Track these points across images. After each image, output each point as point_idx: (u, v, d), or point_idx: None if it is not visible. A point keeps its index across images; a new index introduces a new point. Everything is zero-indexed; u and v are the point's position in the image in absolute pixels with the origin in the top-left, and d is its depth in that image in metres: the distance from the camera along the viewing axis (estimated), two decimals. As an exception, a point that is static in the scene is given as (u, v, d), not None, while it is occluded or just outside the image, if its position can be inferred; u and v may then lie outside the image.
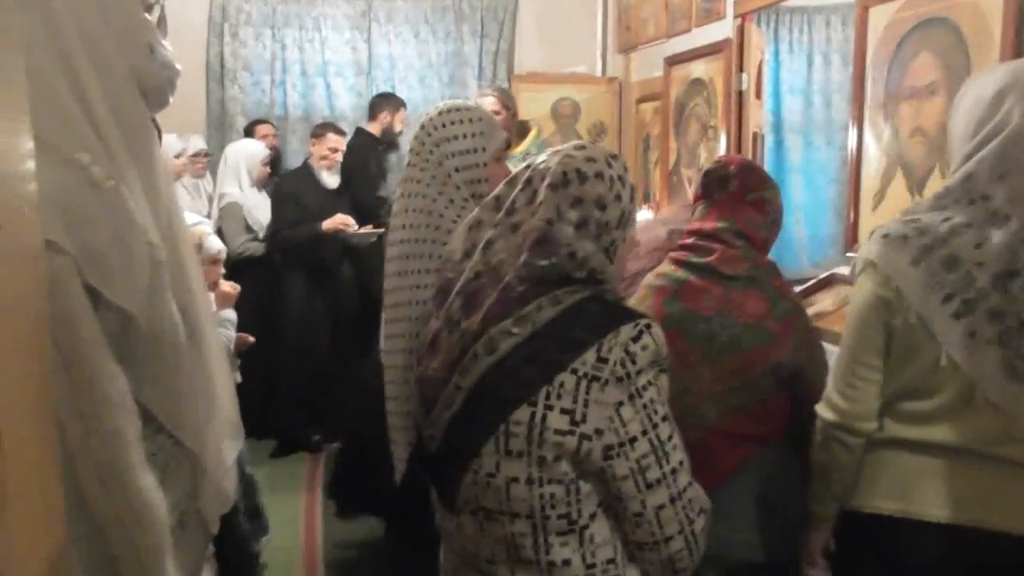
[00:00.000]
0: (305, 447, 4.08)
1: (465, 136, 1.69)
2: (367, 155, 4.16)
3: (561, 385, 1.04)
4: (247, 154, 4.00)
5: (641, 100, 4.79)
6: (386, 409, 1.72)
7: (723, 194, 1.81)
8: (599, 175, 1.15)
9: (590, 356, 1.05)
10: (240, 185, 4.00)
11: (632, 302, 1.77)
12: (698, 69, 4.02)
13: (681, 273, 1.78)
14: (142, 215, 0.96)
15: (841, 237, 2.97)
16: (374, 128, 4.25)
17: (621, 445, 1.06)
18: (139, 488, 0.84)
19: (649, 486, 1.07)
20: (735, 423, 1.68)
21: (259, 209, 4.02)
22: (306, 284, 4.00)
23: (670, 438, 1.09)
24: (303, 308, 4.00)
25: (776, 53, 4.88)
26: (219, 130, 4.64)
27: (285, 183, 4.07)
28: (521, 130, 3.52)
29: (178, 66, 1.09)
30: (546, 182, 1.14)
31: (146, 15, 0.99)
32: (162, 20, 1.07)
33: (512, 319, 1.08)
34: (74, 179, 0.83)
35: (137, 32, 0.93)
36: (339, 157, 4.02)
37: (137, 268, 0.93)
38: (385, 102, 4.30)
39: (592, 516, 1.10)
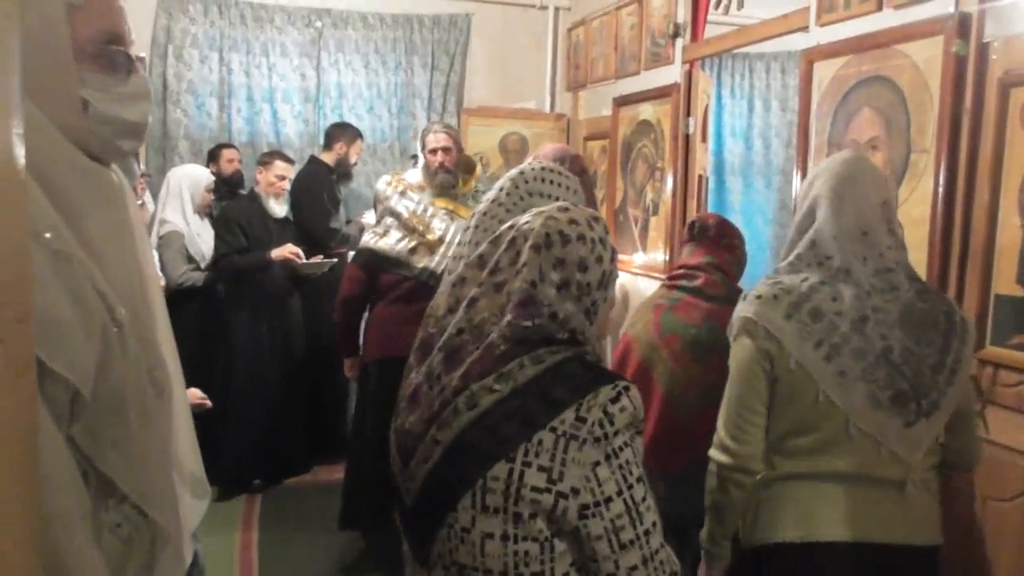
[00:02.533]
0: (246, 490, 3.94)
1: (554, 198, 1.78)
2: (320, 184, 4.09)
3: (540, 443, 1.05)
4: (192, 179, 3.89)
5: (589, 138, 4.87)
6: None
7: (705, 239, 2.42)
8: (581, 237, 1.17)
9: (569, 415, 1.06)
10: (183, 211, 3.88)
11: (632, 316, 2.22)
12: (646, 111, 4.11)
13: (675, 294, 2.33)
14: (101, 278, 0.90)
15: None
16: (328, 158, 4.20)
17: (596, 504, 1.07)
18: (83, 571, 0.78)
19: (623, 546, 1.08)
20: (715, 411, 1.79)
21: (201, 238, 3.91)
22: (252, 317, 3.87)
23: (644, 499, 1.10)
24: (249, 343, 3.86)
25: (719, 97, 5.04)
26: (160, 152, 4.52)
27: (230, 209, 3.96)
28: (467, 167, 3.53)
29: (142, 107, 1.01)
30: (529, 243, 1.16)
31: (72, 66, 0.87)
32: (120, 66, 0.95)
33: (493, 376, 1.09)
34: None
35: (60, 90, 0.84)
36: (287, 185, 3.95)
37: (88, 334, 0.86)
38: (342, 132, 4.26)
39: (566, 574, 1.10)
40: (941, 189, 2.24)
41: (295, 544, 3.42)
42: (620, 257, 4.33)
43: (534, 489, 1.05)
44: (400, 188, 3.37)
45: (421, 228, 3.29)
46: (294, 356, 3.98)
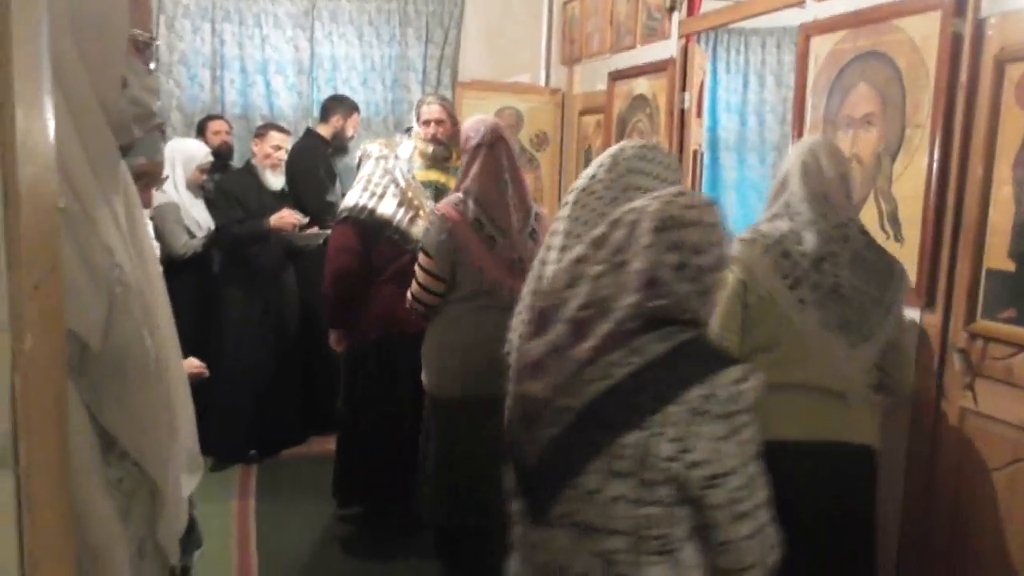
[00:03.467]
0: (241, 461, 3.97)
1: (653, 176, 1.79)
2: (316, 158, 4.07)
3: (670, 415, 1.12)
4: (185, 155, 3.85)
5: (584, 112, 4.86)
6: None
7: None
8: (698, 222, 1.23)
9: (697, 391, 1.12)
10: (174, 184, 3.87)
11: None
12: (641, 86, 4.11)
13: None
14: (108, 238, 0.93)
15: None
16: (325, 131, 4.18)
17: (719, 476, 1.13)
18: (100, 522, 0.79)
19: (738, 517, 1.15)
20: None
21: (195, 208, 3.89)
22: (247, 291, 3.87)
23: (759, 476, 1.18)
24: (244, 316, 3.86)
25: (714, 72, 5.03)
26: (152, 125, 4.49)
27: (226, 182, 3.95)
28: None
29: (156, 103, 1.06)
30: (649, 226, 1.22)
31: (123, 48, 0.92)
32: (150, 54, 1.02)
33: (625, 350, 1.16)
34: None
35: (112, 64, 0.88)
36: (283, 156, 3.93)
37: (96, 292, 0.89)
38: (339, 105, 4.22)
39: (685, 540, 1.17)
40: (935, 164, 2.26)
41: (291, 513, 3.45)
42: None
43: (664, 458, 1.12)
44: (394, 154, 3.32)
45: (416, 202, 3.29)
46: (288, 329, 3.99)
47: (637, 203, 1.28)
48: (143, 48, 1.01)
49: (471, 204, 2.60)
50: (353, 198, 3.15)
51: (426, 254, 2.63)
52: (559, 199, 5.14)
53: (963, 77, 2.19)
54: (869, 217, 2.54)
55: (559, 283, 1.29)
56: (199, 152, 3.90)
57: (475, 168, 2.63)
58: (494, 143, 2.65)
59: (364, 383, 3.19)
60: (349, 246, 3.08)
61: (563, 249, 1.75)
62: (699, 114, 3.80)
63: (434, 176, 3.69)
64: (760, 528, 1.17)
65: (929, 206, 2.29)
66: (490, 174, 2.62)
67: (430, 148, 3.58)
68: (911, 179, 2.36)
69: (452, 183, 3.52)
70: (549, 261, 1.80)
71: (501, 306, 2.51)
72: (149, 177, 1.60)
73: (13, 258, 0.53)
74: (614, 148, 1.90)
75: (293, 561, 3.10)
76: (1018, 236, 2.05)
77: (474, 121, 2.77)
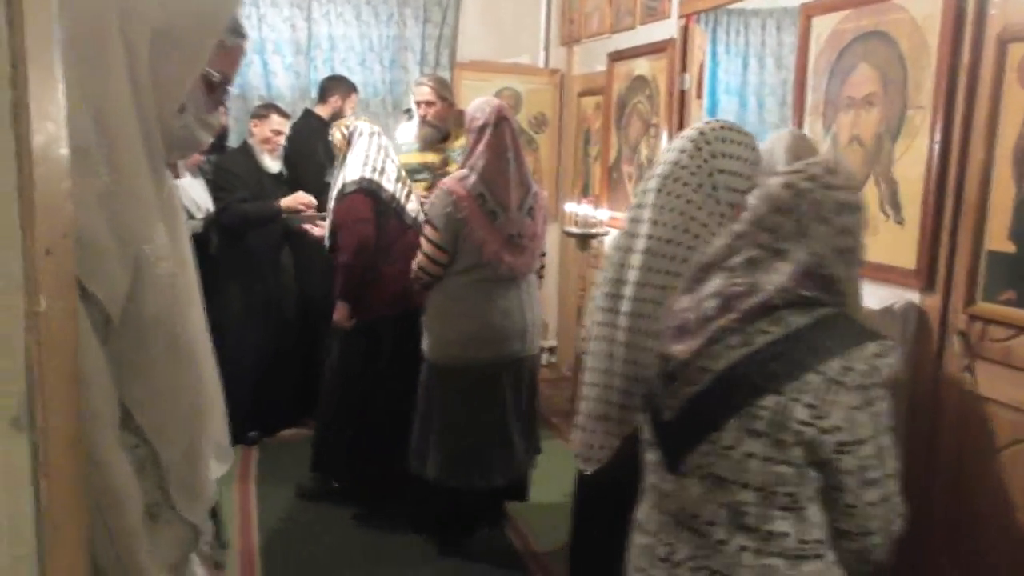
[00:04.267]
0: (241, 442, 3.98)
1: (741, 159, 1.79)
2: (315, 139, 4.03)
3: (807, 383, 1.17)
4: None
5: (583, 94, 4.85)
6: (593, 399, 1.79)
7: None
8: (857, 206, 1.29)
9: (837, 363, 1.17)
10: (171, 164, 3.84)
11: None
12: (641, 66, 4.09)
13: None
14: (147, 217, 0.93)
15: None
16: (323, 111, 4.14)
17: (851, 444, 1.18)
18: (116, 471, 0.81)
19: (867, 483, 1.21)
20: None
21: (194, 188, 3.86)
22: (245, 273, 3.84)
23: (890, 447, 1.23)
24: (243, 298, 3.83)
25: (714, 54, 5.00)
26: (149, 105, 4.46)
27: (226, 161, 3.91)
28: (460, 121, 3.51)
29: (207, 139, 1.08)
30: (812, 213, 1.25)
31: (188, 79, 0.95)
32: (220, 95, 1.06)
33: (767, 320, 1.22)
34: (76, 171, 0.75)
35: (177, 85, 0.90)
36: (282, 140, 3.90)
37: (122, 263, 0.90)
38: (337, 85, 4.19)
39: (811, 499, 1.22)
40: (936, 146, 2.26)
41: (292, 493, 3.47)
42: (614, 214, 4.35)
43: (799, 422, 1.17)
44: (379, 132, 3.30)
45: (408, 180, 3.30)
46: (286, 310, 3.98)
47: (795, 182, 1.29)
48: (215, 88, 1.04)
49: (475, 180, 2.72)
50: (358, 171, 3.15)
51: (432, 227, 2.76)
52: (558, 181, 5.14)
53: (965, 57, 2.18)
54: (869, 199, 2.54)
55: (717, 258, 1.35)
56: None
57: (480, 146, 2.75)
58: (498, 123, 2.77)
59: (381, 358, 3.21)
60: (366, 216, 3.10)
61: (649, 237, 1.76)
62: (699, 95, 3.78)
63: (430, 158, 3.68)
64: (887, 497, 1.23)
65: (930, 188, 2.29)
66: (494, 152, 2.73)
67: (420, 130, 3.58)
68: (912, 161, 2.36)
69: (452, 166, 3.52)
70: (635, 249, 1.79)
71: (497, 279, 2.75)
72: None
73: (26, 221, 0.53)
74: (692, 131, 1.83)
75: (294, 541, 3.12)
76: (1019, 218, 2.05)
77: (480, 102, 2.87)
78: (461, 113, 3.60)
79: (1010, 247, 2.08)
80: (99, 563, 0.80)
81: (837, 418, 1.17)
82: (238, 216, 3.72)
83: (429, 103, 3.58)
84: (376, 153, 3.19)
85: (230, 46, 0.98)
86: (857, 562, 1.28)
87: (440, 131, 3.66)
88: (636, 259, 1.77)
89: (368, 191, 3.11)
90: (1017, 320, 2.05)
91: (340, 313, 3.21)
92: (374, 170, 3.16)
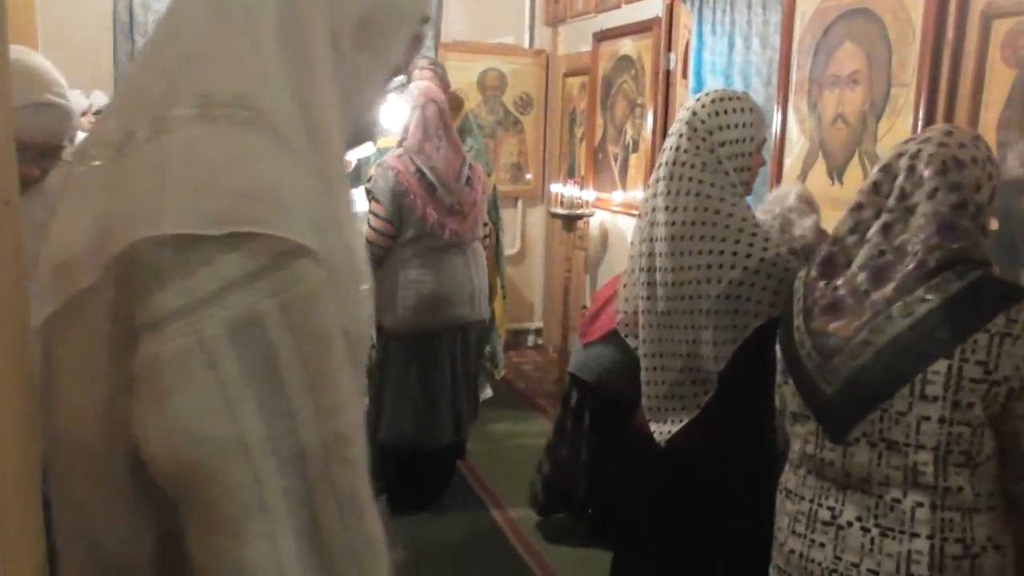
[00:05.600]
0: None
1: (738, 126, 1.78)
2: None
3: (975, 342, 1.23)
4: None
5: (568, 74, 4.82)
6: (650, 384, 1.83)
7: None
8: (974, 160, 1.32)
9: (1000, 319, 1.23)
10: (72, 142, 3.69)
11: None
12: (626, 46, 4.06)
13: None
14: (343, 221, 0.81)
15: (762, 217, 3.07)
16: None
17: (1021, 390, 1.24)
18: (373, 520, 0.69)
19: None
20: None
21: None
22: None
23: None
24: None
25: (700, 33, 4.97)
26: (128, 87, 4.39)
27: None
28: (455, 103, 3.48)
29: (375, 138, 0.99)
30: (931, 170, 1.30)
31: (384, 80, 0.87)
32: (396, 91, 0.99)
33: (924, 288, 1.27)
34: (318, 182, 0.69)
35: (369, 83, 0.82)
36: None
37: (356, 280, 0.79)
38: None
39: (987, 457, 1.28)
40: (920, 123, 2.26)
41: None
42: (599, 195, 4.33)
43: (972, 380, 1.23)
44: None
45: None
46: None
47: (908, 146, 1.35)
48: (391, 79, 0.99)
49: (412, 157, 2.95)
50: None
51: (377, 202, 2.95)
52: (544, 162, 5.12)
53: (949, 34, 2.17)
54: (854, 177, 2.54)
55: (840, 231, 1.41)
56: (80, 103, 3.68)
57: (412, 127, 2.98)
58: (426, 105, 2.99)
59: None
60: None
61: (670, 224, 1.76)
62: (684, 75, 3.76)
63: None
64: None
65: (913, 165, 2.28)
66: (424, 131, 2.97)
67: None
68: (896, 138, 2.35)
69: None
70: (657, 238, 1.80)
71: (444, 246, 2.96)
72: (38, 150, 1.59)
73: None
74: (685, 113, 1.81)
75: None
76: (1002, 194, 2.05)
77: (411, 87, 3.06)
78: (455, 95, 3.57)
79: (992, 223, 2.08)
80: None
81: (1007, 368, 1.23)
82: None
83: None
84: None
85: (420, 37, 0.90)
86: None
87: None
88: (661, 247, 1.79)
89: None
90: (999, 297, 2.06)
91: None
92: None
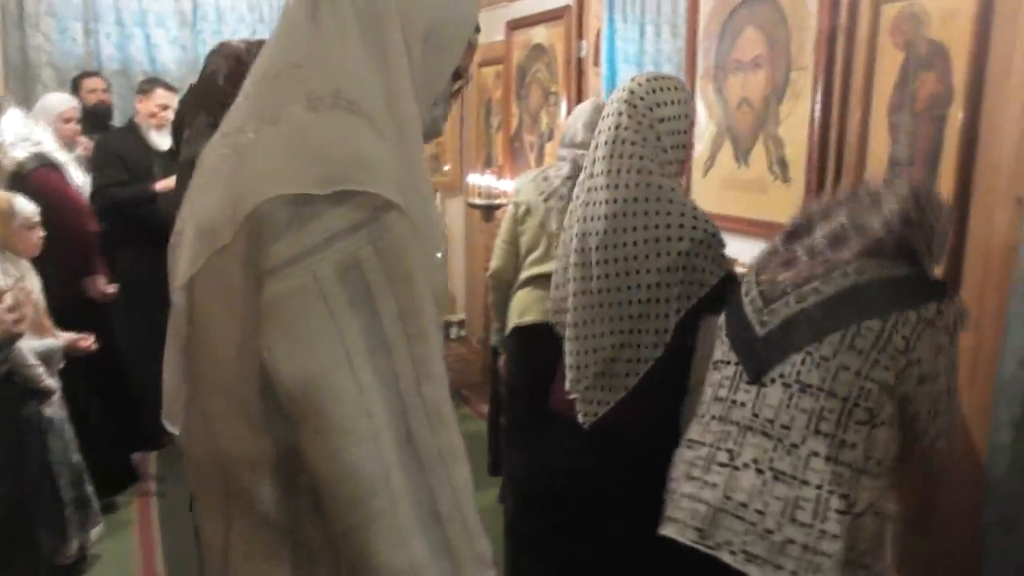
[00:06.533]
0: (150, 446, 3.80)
1: (675, 103, 1.82)
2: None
3: (907, 317, 1.36)
4: (45, 110, 3.53)
5: (483, 64, 4.80)
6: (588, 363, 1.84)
7: None
8: (932, 208, 1.50)
9: (932, 306, 1.37)
10: (42, 143, 3.57)
11: None
12: (539, 34, 4.08)
13: None
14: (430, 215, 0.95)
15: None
16: (208, 86, 3.96)
17: (932, 375, 1.38)
18: (456, 431, 0.81)
19: (937, 414, 1.41)
20: None
21: (71, 168, 3.61)
22: (138, 253, 3.66)
23: (956, 389, 1.45)
24: (134, 282, 3.66)
25: (611, 21, 5.03)
26: (21, 82, 4.17)
27: (108, 141, 3.70)
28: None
29: (444, 127, 1.10)
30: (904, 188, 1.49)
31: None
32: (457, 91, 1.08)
33: (877, 262, 1.42)
34: (404, 164, 0.83)
35: (435, 86, 0.95)
36: (170, 115, 3.70)
37: (434, 245, 0.92)
38: None
39: (884, 423, 1.37)
40: (818, 106, 2.33)
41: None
42: (516, 184, 4.34)
43: (895, 349, 1.35)
44: None
45: None
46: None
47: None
48: (454, 82, 1.08)
49: None
50: None
51: None
52: (461, 152, 5.10)
53: (842, 18, 2.25)
54: (758, 160, 2.61)
55: (815, 212, 1.58)
56: (56, 102, 3.57)
57: None
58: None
59: None
60: None
61: (612, 202, 1.79)
62: (596, 63, 3.80)
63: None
64: (949, 429, 1.45)
65: (813, 148, 2.37)
66: None
67: None
68: (796, 121, 2.43)
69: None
70: (596, 216, 1.80)
71: None
72: None
73: None
74: (623, 93, 1.85)
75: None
76: (893, 172, 2.15)
77: None
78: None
79: (887, 201, 2.17)
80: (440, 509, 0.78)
81: (922, 351, 1.35)
82: (107, 201, 3.53)
83: None
84: None
85: (473, 44, 1.05)
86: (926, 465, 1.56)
87: None
88: (598, 225, 1.79)
89: None
90: (895, 271, 2.16)
91: None
92: None
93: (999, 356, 1.80)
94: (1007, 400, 1.75)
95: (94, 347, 2.79)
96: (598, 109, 2.42)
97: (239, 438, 0.80)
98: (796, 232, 1.59)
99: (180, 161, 2.04)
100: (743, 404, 1.46)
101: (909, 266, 1.45)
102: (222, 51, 2.02)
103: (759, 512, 1.35)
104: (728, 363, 1.53)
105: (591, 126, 2.33)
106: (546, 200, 2.60)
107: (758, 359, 1.47)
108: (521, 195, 2.74)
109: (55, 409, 2.63)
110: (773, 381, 1.43)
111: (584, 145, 2.35)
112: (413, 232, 0.79)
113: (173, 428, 0.92)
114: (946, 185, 2.00)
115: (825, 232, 1.50)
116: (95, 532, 2.81)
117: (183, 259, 0.83)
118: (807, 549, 1.30)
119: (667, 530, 1.48)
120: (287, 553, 0.81)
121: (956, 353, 1.43)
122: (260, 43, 1.93)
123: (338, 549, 0.78)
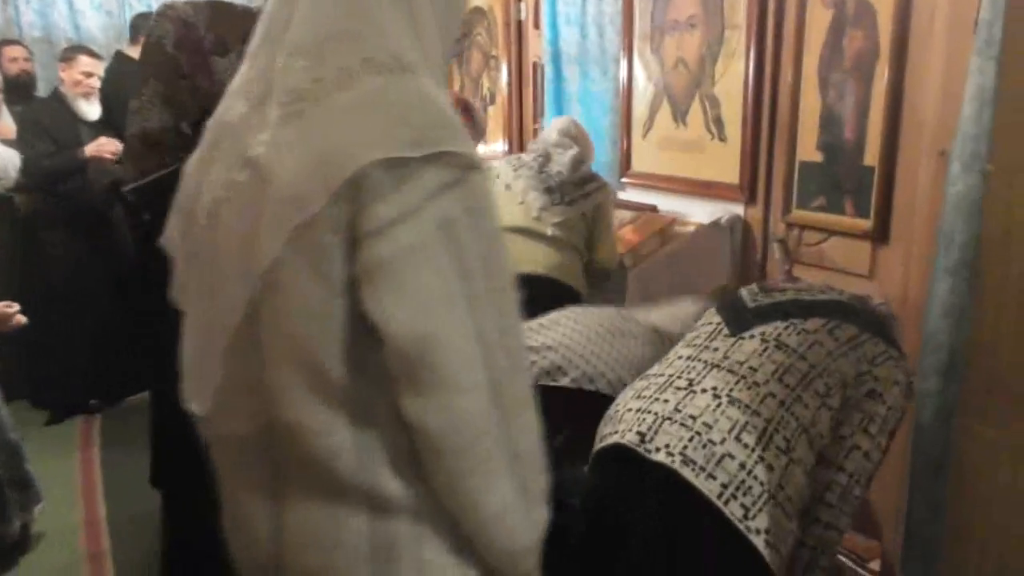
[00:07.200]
0: (83, 412, 3.74)
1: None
2: (131, 83, 3.71)
3: (879, 341, 1.50)
4: None
5: (423, 28, 4.73)
6: None
7: None
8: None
9: (899, 351, 1.52)
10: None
11: None
12: (478, -3, 4.03)
13: None
14: None
15: (617, 164, 3.16)
16: (136, 52, 3.82)
17: (879, 396, 1.44)
18: (528, 379, 0.86)
19: (864, 433, 1.43)
20: None
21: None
22: (68, 232, 3.56)
23: (891, 421, 1.47)
24: (68, 259, 3.56)
25: (552, -17, 4.97)
26: (-65, 52, 3.97)
27: (33, 111, 3.56)
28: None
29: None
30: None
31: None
32: (457, 48, 1.08)
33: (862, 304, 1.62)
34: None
35: (450, 31, 0.95)
36: (95, 83, 3.57)
37: None
38: (148, 23, 3.85)
39: (831, 407, 1.42)
40: (751, 65, 2.36)
41: (138, 460, 3.30)
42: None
43: (864, 354, 1.47)
44: None
45: None
46: (123, 269, 3.71)
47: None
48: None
49: None
50: None
51: None
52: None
53: (774, -23, 2.28)
54: (696, 119, 2.64)
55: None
56: None
57: None
58: None
59: None
60: None
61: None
62: (536, 25, 3.77)
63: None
64: (868, 454, 1.44)
65: (748, 106, 2.40)
66: None
67: None
68: (731, 80, 2.46)
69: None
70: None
71: None
72: None
73: None
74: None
75: (143, 507, 2.99)
76: (824, 129, 2.19)
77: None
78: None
79: (818, 156, 2.22)
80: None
81: (882, 373, 1.45)
82: (39, 173, 3.43)
83: None
84: None
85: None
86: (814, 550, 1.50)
87: None
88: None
89: None
90: (827, 224, 2.22)
91: None
92: None
93: (925, 306, 1.87)
94: (933, 349, 1.83)
95: (24, 320, 2.70)
96: (572, 122, 2.65)
97: (313, 405, 0.81)
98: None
99: (128, 134, 1.94)
100: (716, 349, 1.51)
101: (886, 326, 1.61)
102: (167, 15, 1.91)
103: (707, 425, 1.37)
104: (708, 324, 1.60)
105: (565, 132, 2.54)
106: (516, 170, 2.60)
107: (742, 320, 1.56)
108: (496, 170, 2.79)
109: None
110: (752, 336, 1.50)
111: (558, 144, 2.51)
112: (491, 190, 0.82)
113: (199, 410, 0.91)
114: (874, 140, 2.05)
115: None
116: (37, 510, 2.75)
117: (267, 230, 0.80)
118: (743, 467, 1.32)
119: (608, 441, 1.46)
120: (364, 512, 0.83)
121: (900, 414, 1.48)
122: (207, 5, 1.85)
123: (425, 501, 0.83)
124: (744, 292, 1.66)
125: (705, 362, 1.49)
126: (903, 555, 1.93)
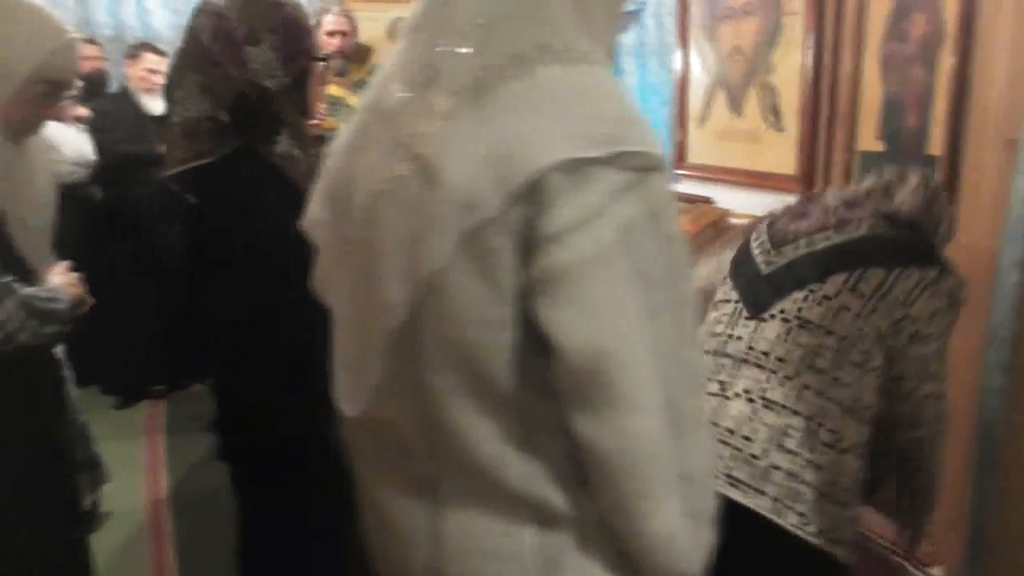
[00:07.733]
0: (149, 397, 3.89)
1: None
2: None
3: (909, 273, 1.37)
4: None
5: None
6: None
7: None
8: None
9: (934, 271, 1.39)
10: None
11: None
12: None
13: None
14: None
15: (673, 156, 3.12)
16: (199, 49, 3.93)
17: (924, 336, 1.37)
18: (704, 397, 0.88)
19: (925, 377, 1.39)
20: None
21: (68, 144, 3.63)
22: (135, 222, 3.70)
23: (946, 353, 1.43)
24: (131, 250, 3.70)
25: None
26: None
27: (101, 106, 3.70)
28: (361, 54, 3.39)
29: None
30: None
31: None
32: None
33: (886, 223, 1.45)
34: None
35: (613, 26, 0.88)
36: (159, 80, 3.69)
37: None
38: None
39: (874, 370, 1.37)
40: (810, 51, 2.30)
41: (203, 443, 3.41)
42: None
43: (895, 300, 1.36)
44: None
45: None
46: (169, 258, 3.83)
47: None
48: None
49: None
50: None
51: None
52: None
53: (834, -40, 2.21)
54: (752, 109, 2.58)
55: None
56: None
57: None
58: None
59: None
60: None
61: None
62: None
63: (333, 91, 3.56)
64: (941, 393, 1.42)
65: (805, 94, 2.34)
66: None
67: (332, 63, 3.45)
68: (788, 68, 2.40)
69: (351, 99, 3.42)
70: None
71: None
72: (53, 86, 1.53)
73: None
74: None
75: (204, 487, 3.09)
76: (886, 117, 2.12)
77: None
78: (363, 47, 3.48)
79: (879, 146, 2.15)
80: None
81: (920, 309, 1.36)
82: (116, 157, 3.56)
83: (344, 33, 3.42)
84: None
85: None
86: (910, 451, 1.47)
87: (346, 63, 3.54)
88: None
89: None
90: (887, 217, 2.14)
91: None
92: None
93: (991, 301, 1.79)
94: (997, 344, 1.76)
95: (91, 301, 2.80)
96: None
97: (480, 412, 0.78)
98: (808, 199, 1.62)
99: (171, 123, 2.03)
100: (739, 338, 1.46)
101: (917, 235, 1.48)
102: (205, 9, 2.00)
103: (746, 439, 1.36)
104: (728, 301, 1.54)
105: None
106: None
107: (759, 294, 1.49)
108: None
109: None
110: (773, 317, 1.44)
111: None
112: (671, 191, 0.76)
113: (350, 411, 0.87)
114: (938, 128, 1.98)
115: (840, 195, 1.53)
116: (104, 489, 2.87)
117: (435, 235, 0.74)
118: (791, 476, 1.30)
119: None
120: (531, 523, 0.80)
121: (951, 324, 1.42)
122: None
123: (587, 514, 0.80)
124: (755, 249, 1.56)
125: (732, 358, 1.46)
126: (965, 558, 1.86)
